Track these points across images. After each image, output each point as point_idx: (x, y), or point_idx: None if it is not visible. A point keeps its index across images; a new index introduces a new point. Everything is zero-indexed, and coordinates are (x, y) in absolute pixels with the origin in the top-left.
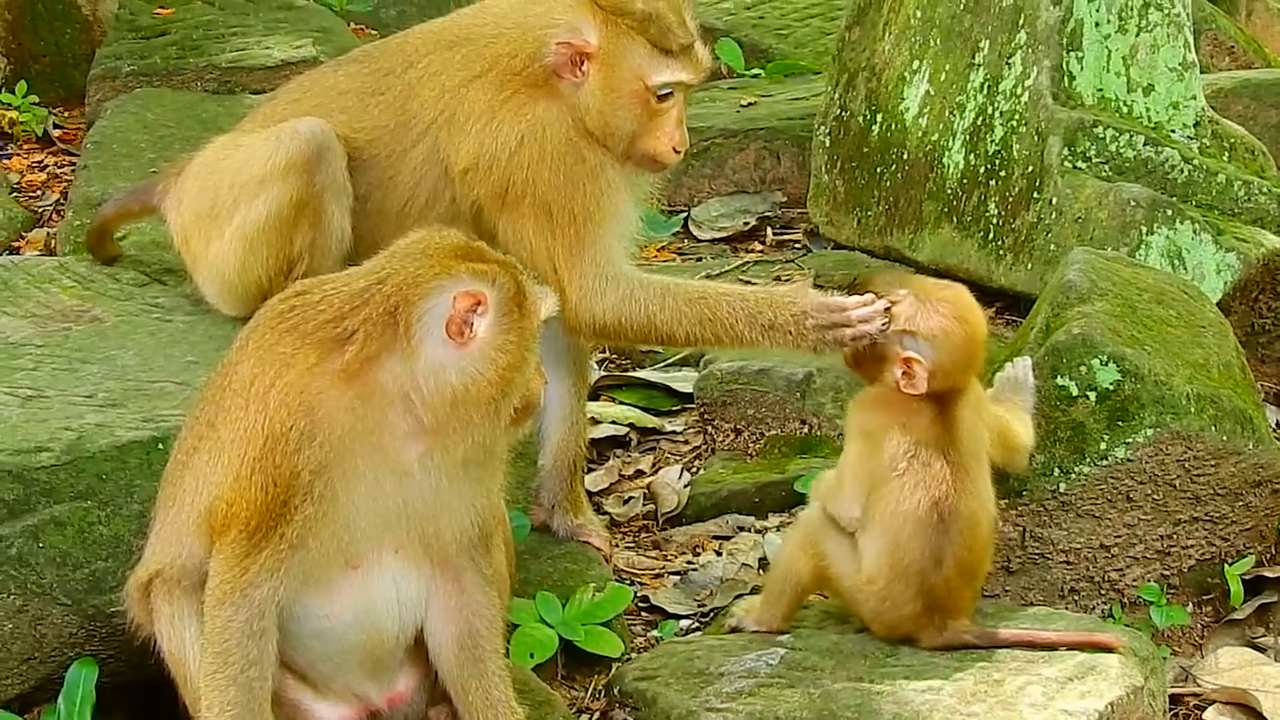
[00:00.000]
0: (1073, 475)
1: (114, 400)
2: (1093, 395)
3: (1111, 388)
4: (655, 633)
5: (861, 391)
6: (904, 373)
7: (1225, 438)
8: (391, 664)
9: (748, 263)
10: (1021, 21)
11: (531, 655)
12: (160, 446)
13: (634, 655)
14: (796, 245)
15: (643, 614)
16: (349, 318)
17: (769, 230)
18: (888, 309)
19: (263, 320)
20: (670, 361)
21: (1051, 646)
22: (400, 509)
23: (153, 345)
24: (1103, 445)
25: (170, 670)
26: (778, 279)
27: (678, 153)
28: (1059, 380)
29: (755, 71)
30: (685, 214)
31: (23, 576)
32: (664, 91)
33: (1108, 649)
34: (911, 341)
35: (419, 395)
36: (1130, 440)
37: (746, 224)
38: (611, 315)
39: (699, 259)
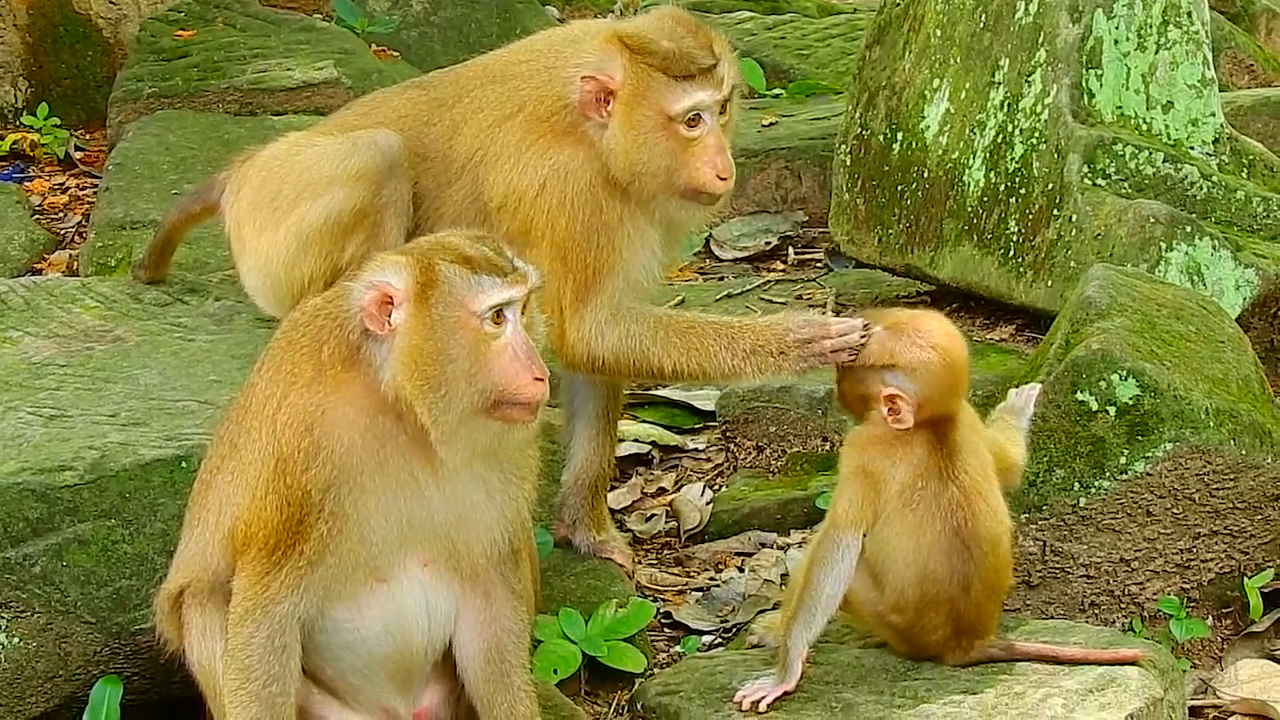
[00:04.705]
0: (1092, 490)
1: (137, 419)
2: (1112, 410)
3: (1131, 402)
4: (678, 648)
5: (854, 430)
6: (890, 409)
7: (1244, 452)
8: (419, 677)
9: (769, 282)
10: (1041, 39)
11: (555, 671)
12: (183, 465)
13: (656, 671)
14: (818, 264)
15: (665, 630)
16: (317, 320)
17: (790, 249)
18: (866, 326)
19: (276, 339)
20: None
21: (1074, 663)
22: (421, 521)
23: (175, 364)
24: (1122, 460)
25: (199, 683)
26: (799, 298)
27: (724, 179)
28: (1079, 395)
29: (776, 91)
30: (707, 234)
31: (47, 595)
32: (691, 116)
33: (1128, 663)
34: (892, 376)
35: (389, 394)
36: (1150, 455)
37: (768, 243)
38: (610, 355)
39: (721, 278)
